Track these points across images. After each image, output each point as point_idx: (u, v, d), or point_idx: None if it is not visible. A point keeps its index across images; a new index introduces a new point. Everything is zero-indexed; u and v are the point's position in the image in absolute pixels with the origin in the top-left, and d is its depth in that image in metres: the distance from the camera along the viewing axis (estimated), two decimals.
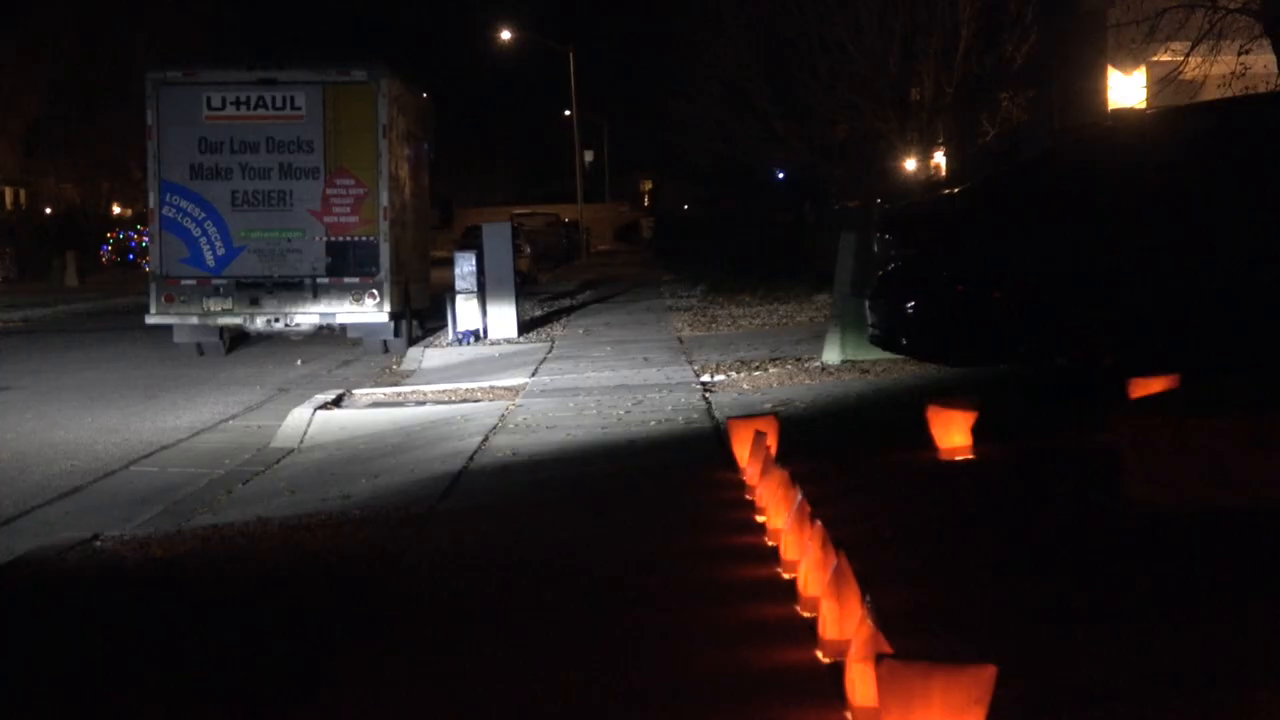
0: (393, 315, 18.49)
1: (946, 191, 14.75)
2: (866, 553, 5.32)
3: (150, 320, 18.57)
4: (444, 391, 14.00)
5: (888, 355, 12.10)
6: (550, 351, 17.50)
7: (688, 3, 28.53)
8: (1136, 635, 4.66)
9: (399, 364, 17.90)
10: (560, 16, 69.94)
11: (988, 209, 10.34)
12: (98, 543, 7.41)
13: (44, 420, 13.23)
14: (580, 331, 20.42)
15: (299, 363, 18.09)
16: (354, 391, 14.22)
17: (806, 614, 4.98)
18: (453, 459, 9.68)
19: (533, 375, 14.76)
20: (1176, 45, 17.49)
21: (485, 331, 19.66)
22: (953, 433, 8.04)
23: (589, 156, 63.53)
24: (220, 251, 18.22)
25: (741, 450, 7.82)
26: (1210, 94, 15.46)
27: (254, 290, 18.22)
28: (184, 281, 18.24)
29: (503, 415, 11.53)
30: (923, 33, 21.63)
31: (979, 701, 3.61)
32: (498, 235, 20.34)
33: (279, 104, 18.13)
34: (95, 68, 49.91)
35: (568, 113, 63.45)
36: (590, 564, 6.17)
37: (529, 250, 36.19)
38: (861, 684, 3.90)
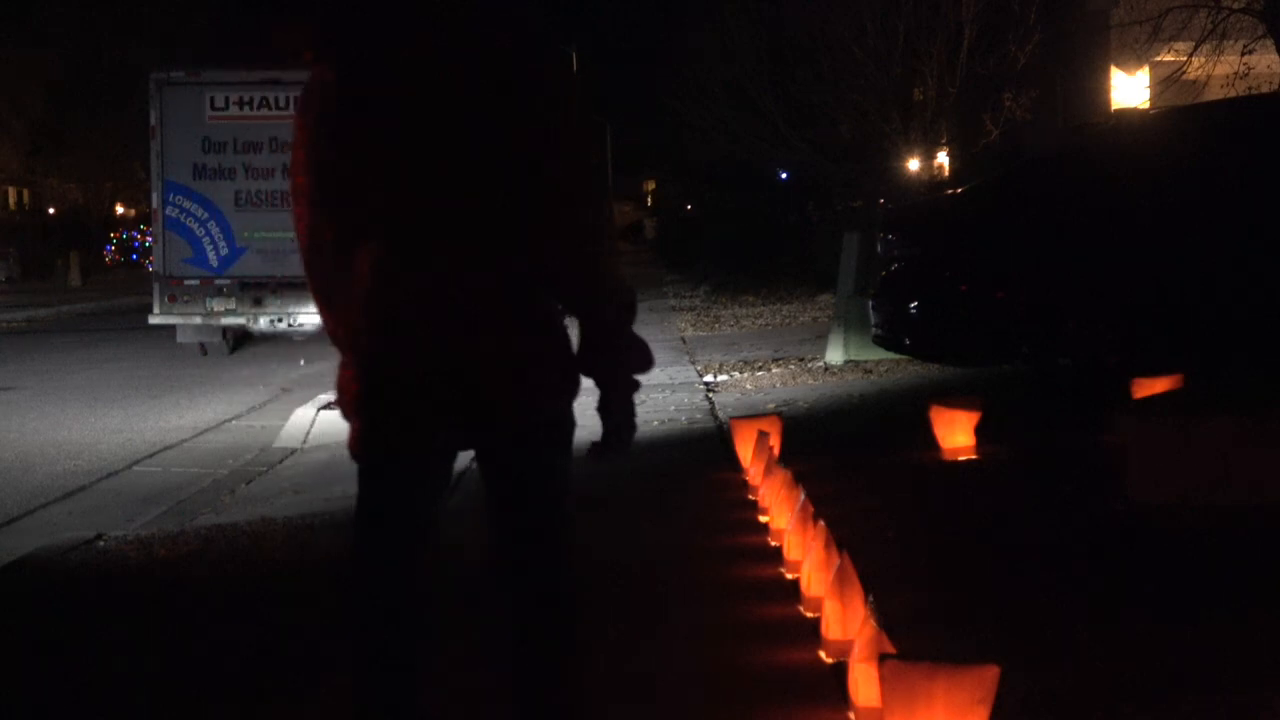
0: None
1: (950, 191, 14.75)
2: (869, 553, 5.32)
3: (153, 320, 18.58)
4: None
5: (891, 355, 12.11)
6: None
7: (691, 3, 28.54)
8: (1140, 635, 4.66)
9: None
10: (563, 17, 69.96)
11: (991, 209, 10.33)
12: (101, 543, 7.42)
13: (47, 420, 13.24)
14: None
15: (302, 363, 18.09)
16: None
17: (809, 614, 4.98)
18: None
19: None
20: (1180, 45, 17.49)
21: None
22: (956, 433, 8.04)
23: None
24: (224, 252, 18.23)
25: (744, 450, 7.82)
26: (1213, 94, 15.46)
27: (257, 290, 18.22)
28: (187, 282, 18.24)
29: None
30: (926, 32, 21.61)
31: (982, 702, 3.61)
32: None
33: (282, 104, 18.11)
34: (98, 68, 49.95)
35: None
36: (591, 563, 6.17)
37: None
38: (864, 684, 3.90)
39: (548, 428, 3.20)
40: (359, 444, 3.22)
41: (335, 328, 3.23)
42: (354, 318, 3.14)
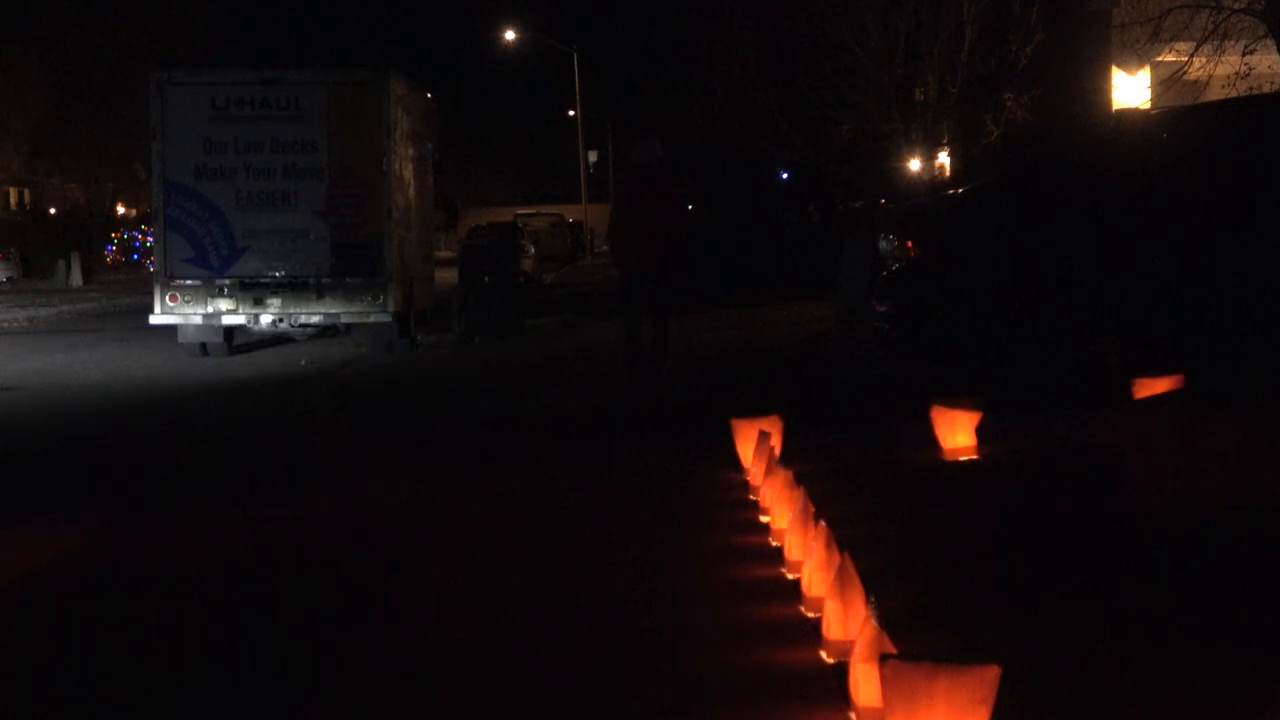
0: (397, 315, 18.50)
1: (951, 191, 14.75)
2: (870, 553, 5.32)
3: (155, 320, 18.58)
4: None
5: (892, 355, 12.10)
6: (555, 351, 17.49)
7: (693, 3, 28.54)
8: (1141, 636, 4.66)
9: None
10: (565, 17, 69.97)
11: (992, 209, 10.34)
12: (101, 543, 7.41)
13: (48, 420, 13.25)
14: (586, 331, 20.42)
15: (303, 362, 18.11)
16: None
17: (810, 614, 4.98)
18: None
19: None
20: (1181, 46, 17.52)
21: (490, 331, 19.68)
22: (957, 433, 8.04)
23: (593, 157, 63.56)
24: (225, 252, 18.23)
25: (745, 450, 7.81)
26: (1214, 94, 15.46)
27: (258, 290, 18.22)
28: (188, 282, 18.25)
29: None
30: (927, 32, 21.62)
31: (983, 702, 3.61)
32: (502, 235, 20.36)
33: (283, 104, 18.12)
34: (100, 68, 49.97)
35: (572, 113, 63.47)
36: (593, 563, 6.18)
37: (533, 250, 36.21)
38: (865, 684, 3.90)
39: (667, 279, 13.79)
40: (619, 270, 14.09)
41: (616, 246, 14.03)
42: (621, 247, 13.85)
